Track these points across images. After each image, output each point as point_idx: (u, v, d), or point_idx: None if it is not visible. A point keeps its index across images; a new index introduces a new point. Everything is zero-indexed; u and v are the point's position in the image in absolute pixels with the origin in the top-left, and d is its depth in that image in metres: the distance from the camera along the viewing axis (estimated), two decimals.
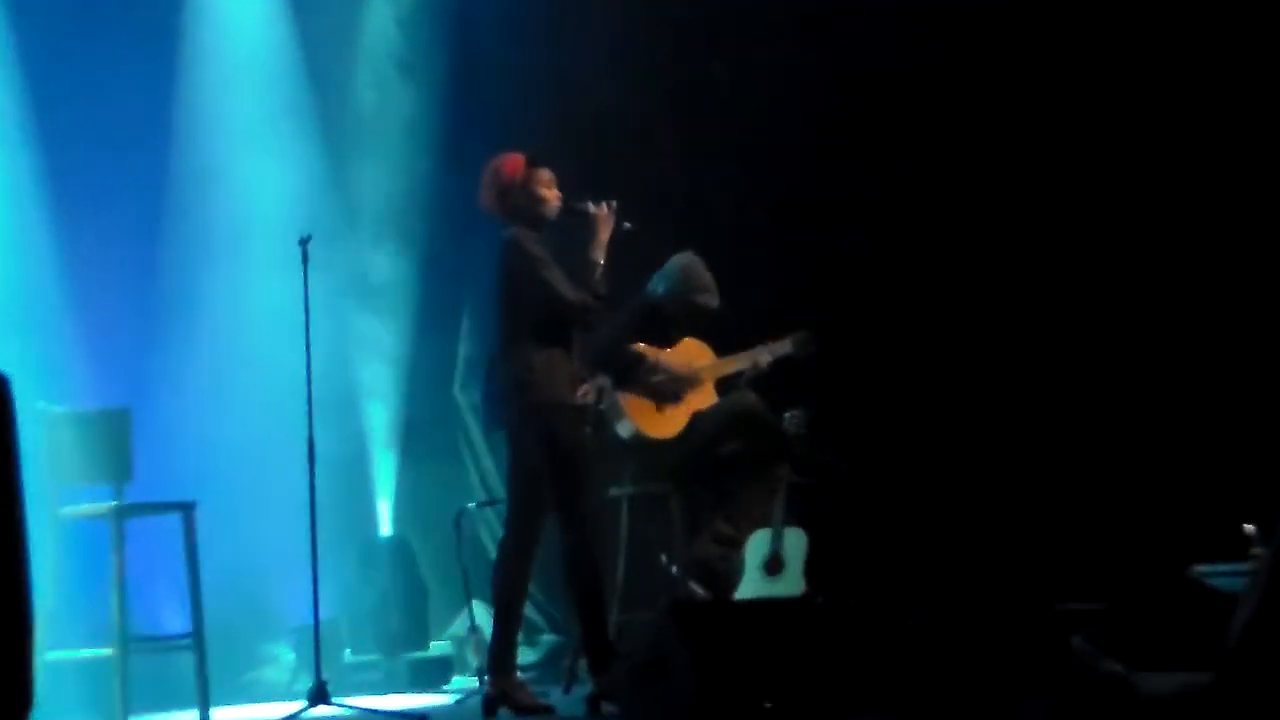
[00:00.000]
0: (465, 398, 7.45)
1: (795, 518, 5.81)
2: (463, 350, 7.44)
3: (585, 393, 5.17)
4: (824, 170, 6.63)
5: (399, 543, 7.15)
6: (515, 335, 5.01)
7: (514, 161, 5.07)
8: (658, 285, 5.92)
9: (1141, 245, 6.21)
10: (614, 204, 5.07)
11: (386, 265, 7.33)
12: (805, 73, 6.60)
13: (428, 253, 7.34)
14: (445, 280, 7.36)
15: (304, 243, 5.47)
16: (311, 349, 5.40)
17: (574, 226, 5.13)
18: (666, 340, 5.90)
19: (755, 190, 6.65)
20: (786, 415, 5.84)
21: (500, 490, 7.11)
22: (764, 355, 5.83)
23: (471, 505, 6.92)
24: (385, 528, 7.31)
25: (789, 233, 6.65)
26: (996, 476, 6.35)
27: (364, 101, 7.28)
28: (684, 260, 5.88)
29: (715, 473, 5.75)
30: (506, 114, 6.95)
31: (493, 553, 6.78)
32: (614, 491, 5.82)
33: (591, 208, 5.07)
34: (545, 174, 5.11)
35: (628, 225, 5.09)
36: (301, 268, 5.42)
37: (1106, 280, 6.30)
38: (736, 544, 5.76)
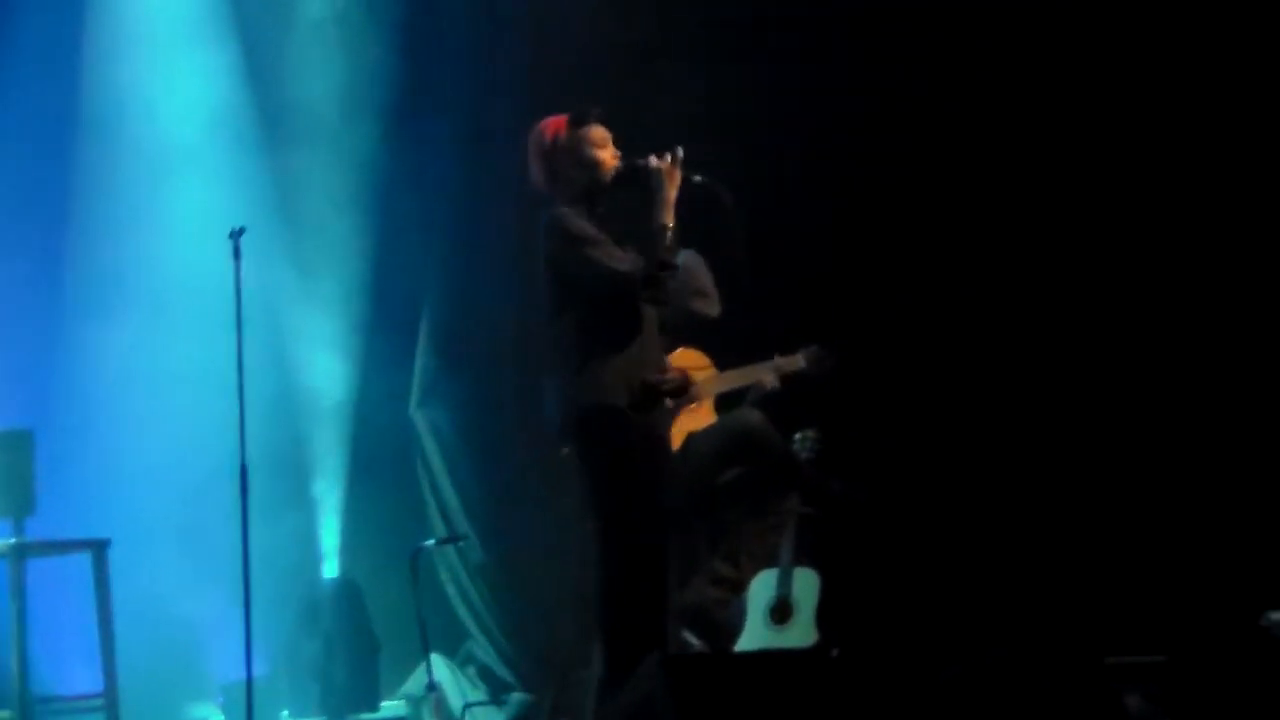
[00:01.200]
0: (424, 416, 7.39)
1: (806, 556, 5.73)
2: (421, 361, 7.37)
3: (666, 379, 4.89)
4: (844, 161, 6.64)
5: (346, 586, 7.06)
6: (566, 340, 4.81)
7: (555, 123, 4.91)
8: None
9: (1206, 261, 6.25)
10: (679, 153, 4.82)
11: (332, 261, 7.24)
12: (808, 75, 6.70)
13: (380, 246, 7.25)
14: (401, 279, 7.29)
15: (235, 236, 5.46)
16: (244, 360, 5.38)
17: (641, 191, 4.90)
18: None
19: (766, 180, 6.55)
20: (796, 437, 5.76)
21: (463, 523, 7.24)
22: (772, 371, 5.71)
23: (430, 543, 6.90)
24: (330, 568, 7.23)
25: (805, 230, 6.61)
26: (1037, 509, 6.32)
27: (302, 71, 7.22)
28: (682, 260, 5.68)
29: (712, 504, 5.58)
30: (473, 68, 6.97)
31: (454, 598, 7.25)
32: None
33: (654, 161, 4.83)
34: (596, 131, 4.90)
35: (698, 179, 4.85)
36: (233, 264, 5.43)
37: (1170, 299, 6.30)
38: (738, 587, 5.67)
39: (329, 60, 7.15)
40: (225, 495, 5.38)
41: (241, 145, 7.16)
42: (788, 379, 5.72)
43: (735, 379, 5.75)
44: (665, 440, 4.99)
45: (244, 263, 5.55)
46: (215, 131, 7.11)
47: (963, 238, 6.57)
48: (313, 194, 7.21)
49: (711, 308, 5.38)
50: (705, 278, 5.48)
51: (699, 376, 5.73)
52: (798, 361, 5.75)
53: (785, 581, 5.64)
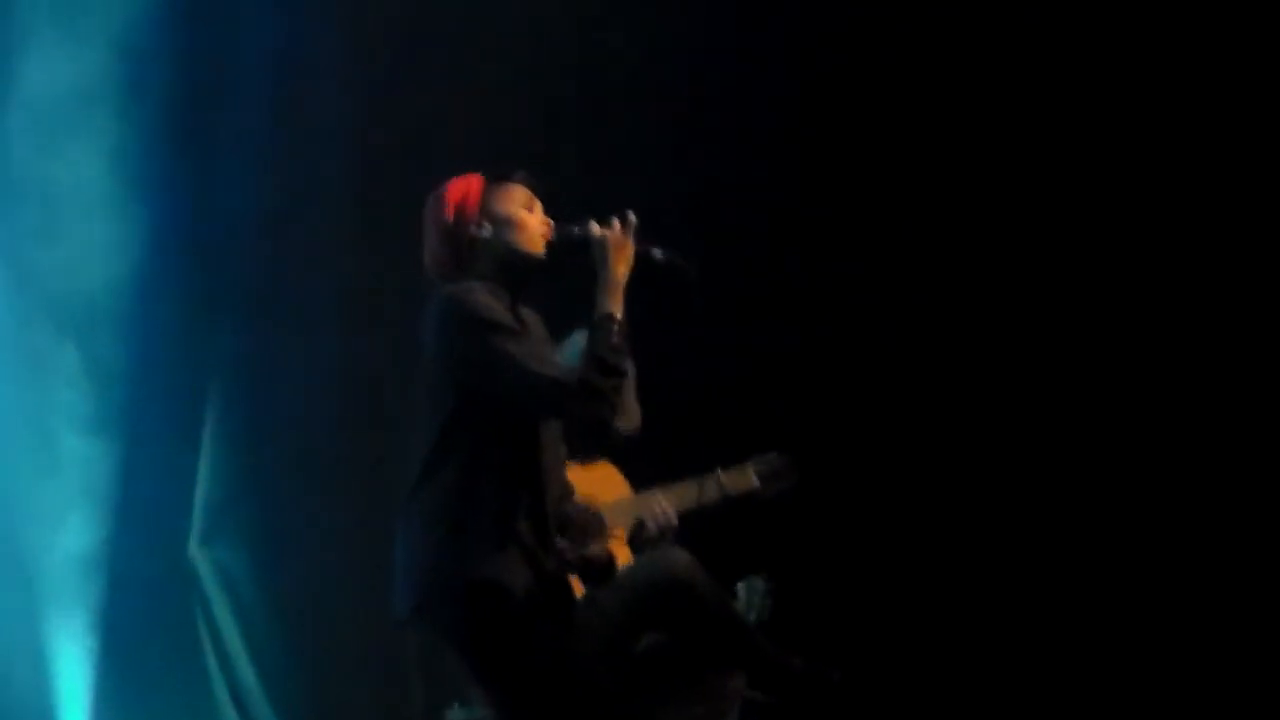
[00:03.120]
0: (209, 558, 7.33)
1: None
2: (204, 482, 7.32)
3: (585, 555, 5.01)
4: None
5: None
6: (439, 461, 4.73)
7: (463, 182, 4.91)
8: None
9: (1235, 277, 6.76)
10: (630, 219, 4.81)
11: (69, 335, 7.18)
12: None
13: (144, 312, 7.23)
14: (176, 367, 7.27)
15: None
16: None
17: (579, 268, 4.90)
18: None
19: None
20: (740, 588, 5.71)
21: (264, 711, 7.27)
22: (710, 490, 5.70)
23: None
24: None
25: (750, 301, 6.96)
26: (1071, 656, 6.71)
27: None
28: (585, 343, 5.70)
29: (625, 684, 5.25)
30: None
31: None
32: (455, 714, 5.81)
33: (596, 230, 4.81)
34: (519, 192, 4.89)
35: (659, 253, 4.85)
36: None
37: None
38: None
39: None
40: None
41: None
42: (729, 501, 5.77)
43: (660, 502, 5.72)
44: (568, 592, 4.95)
45: None
46: None
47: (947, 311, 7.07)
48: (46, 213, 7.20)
49: (628, 418, 5.31)
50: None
51: (609, 499, 5.77)
52: (748, 477, 5.80)
53: None
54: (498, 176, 4.90)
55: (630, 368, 5.37)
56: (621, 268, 4.78)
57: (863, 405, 7.06)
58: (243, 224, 7.43)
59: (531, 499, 4.77)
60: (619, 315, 4.74)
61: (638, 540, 5.67)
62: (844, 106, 7.22)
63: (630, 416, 5.31)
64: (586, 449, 5.77)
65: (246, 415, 7.37)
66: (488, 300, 4.75)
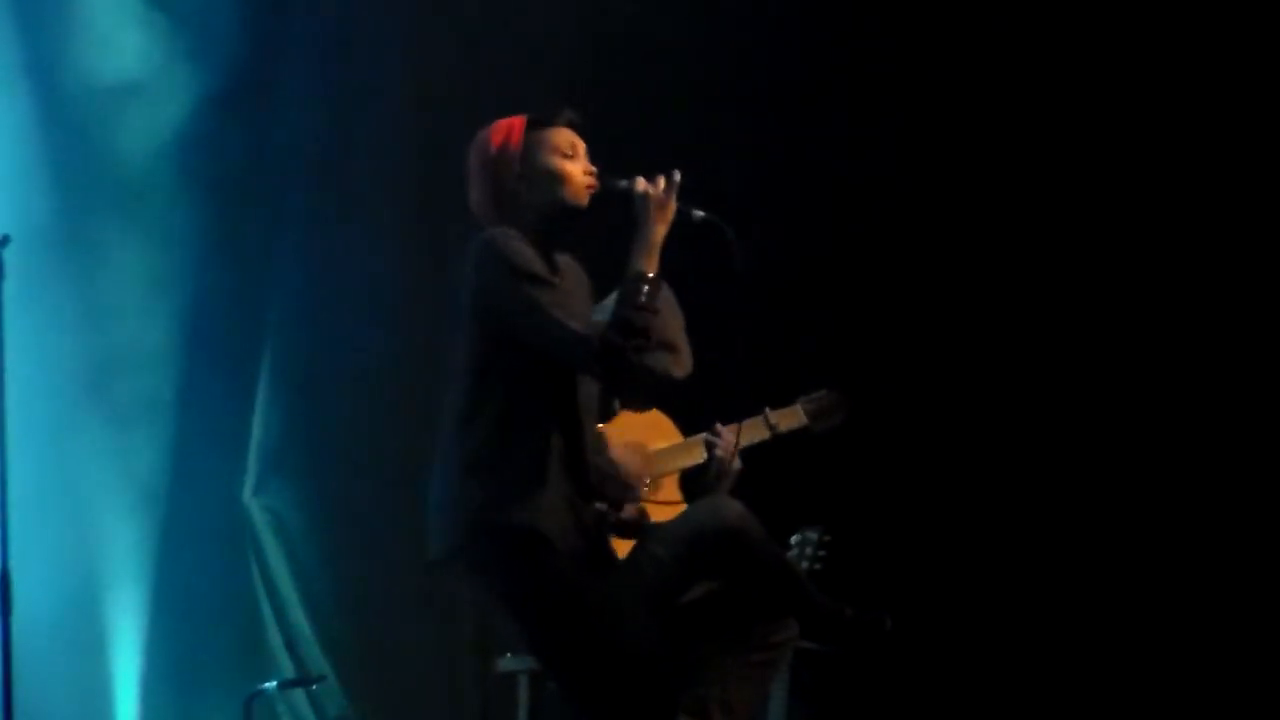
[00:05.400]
0: (263, 507, 7.34)
1: (806, 708, 5.74)
2: (260, 430, 7.33)
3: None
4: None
5: None
6: (475, 406, 4.74)
7: (507, 126, 4.87)
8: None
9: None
10: (675, 177, 4.80)
11: (132, 290, 7.19)
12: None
13: (201, 268, 7.24)
14: (233, 314, 7.28)
15: None
16: (7, 425, 5.46)
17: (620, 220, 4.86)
18: (604, 410, 5.44)
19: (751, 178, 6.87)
20: (793, 539, 5.69)
21: (317, 658, 7.27)
22: (760, 432, 5.63)
23: (270, 686, 6.81)
24: None
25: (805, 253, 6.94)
26: (1126, 631, 6.70)
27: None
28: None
29: (675, 633, 5.24)
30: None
31: None
32: (506, 663, 5.62)
33: (640, 185, 4.79)
34: (563, 136, 4.87)
35: (700, 214, 4.83)
36: None
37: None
38: None
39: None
40: None
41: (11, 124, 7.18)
42: (779, 439, 5.69)
43: (728, 436, 5.53)
44: (607, 548, 4.95)
45: (7, 284, 5.57)
46: None
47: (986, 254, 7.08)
48: (104, 195, 7.22)
49: (676, 366, 5.29)
50: (672, 322, 5.42)
51: (658, 445, 5.72)
52: (797, 415, 5.74)
53: None
54: (541, 119, 4.87)
55: (676, 319, 5.45)
56: (661, 226, 4.76)
57: (918, 349, 7.09)
58: (298, 166, 7.44)
59: (568, 447, 4.78)
60: (652, 274, 4.73)
61: (710, 474, 5.51)
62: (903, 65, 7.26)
63: (683, 362, 5.29)
64: (639, 395, 5.55)
65: (302, 363, 7.36)
66: (522, 247, 4.73)
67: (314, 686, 7.06)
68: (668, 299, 5.46)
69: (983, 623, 6.83)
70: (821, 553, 5.68)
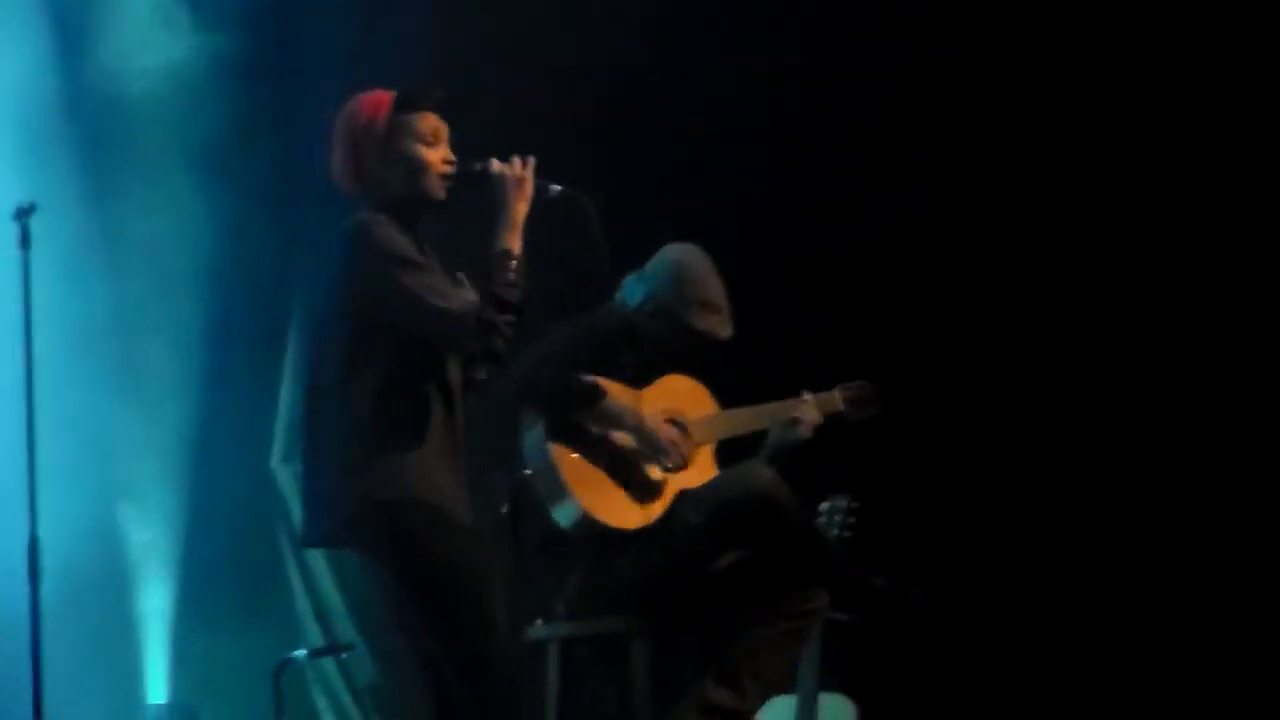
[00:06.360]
0: (292, 473, 7.30)
1: (836, 678, 5.71)
2: (286, 397, 7.37)
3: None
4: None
5: (181, 715, 7.03)
6: (350, 385, 4.73)
7: (374, 102, 4.88)
8: (634, 291, 5.70)
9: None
10: (531, 161, 4.86)
11: (159, 259, 7.20)
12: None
13: (228, 229, 7.27)
14: (259, 276, 7.34)
15: (23, 217, 5.45)
16: (35, 394, 5.37)
17: (478, 204, 4.88)
18: (643, 379, 5.66)
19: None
20: (823, 507, 5.69)
21: (347, 626, 7.30)
22: (811, 411, 5.67)
23: (300, 654, 6.82)
24: (156, 691, 7.15)
25: (836, 227, 6.89)
26: (1157, 605, 6.56)
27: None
28: (678, 255, 5.71)
29: (706, 599, 5.48)
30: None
31: None
32: (537, 631, 5.62)
33: (496, 167, 4.83)
34: (427, 121, 4.87)
35: (556, 188, 4.90)
36: (19, 258, 5.43)
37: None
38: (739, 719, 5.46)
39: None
40: (9, 584, 5.41)
41: (41, 99, 7.23)
42: (819, 424, 5.71)
43: (746, 421, 5.71)
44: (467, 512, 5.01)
45: (35, 254, 5.52)
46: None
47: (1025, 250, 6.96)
48: (131, 166, 7.29)
49: (721, 326, 5.57)
50: (711, 283, 5.66)
51: (696, 415, 5.69)
52: (834, 401, 5.74)
53: (807, 713, 5.63)
54: (407, 100, 4.88)
55: (717, 281, 5.68)
56: (521, 205, 4.83)
57: (950, 332, 7.05)
58: (321, 148, 7.39)
59: (446, 420, 4.80)
60: (516, 251, 4.79)
61: (783, 447, 5.66)
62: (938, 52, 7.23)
63: (727, 323, 5.54)
64: (668, 363, 5.76)
65: None
66: (392, 232, 4.77)
67: (343, 655, 7.08)
68: (706, 263, 5.69)
69: (1017, 596, 6.78)
70: (851, 520, 5.66)
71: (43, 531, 5.37)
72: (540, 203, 4.84)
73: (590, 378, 5.65)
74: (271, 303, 7.44)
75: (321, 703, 7.18)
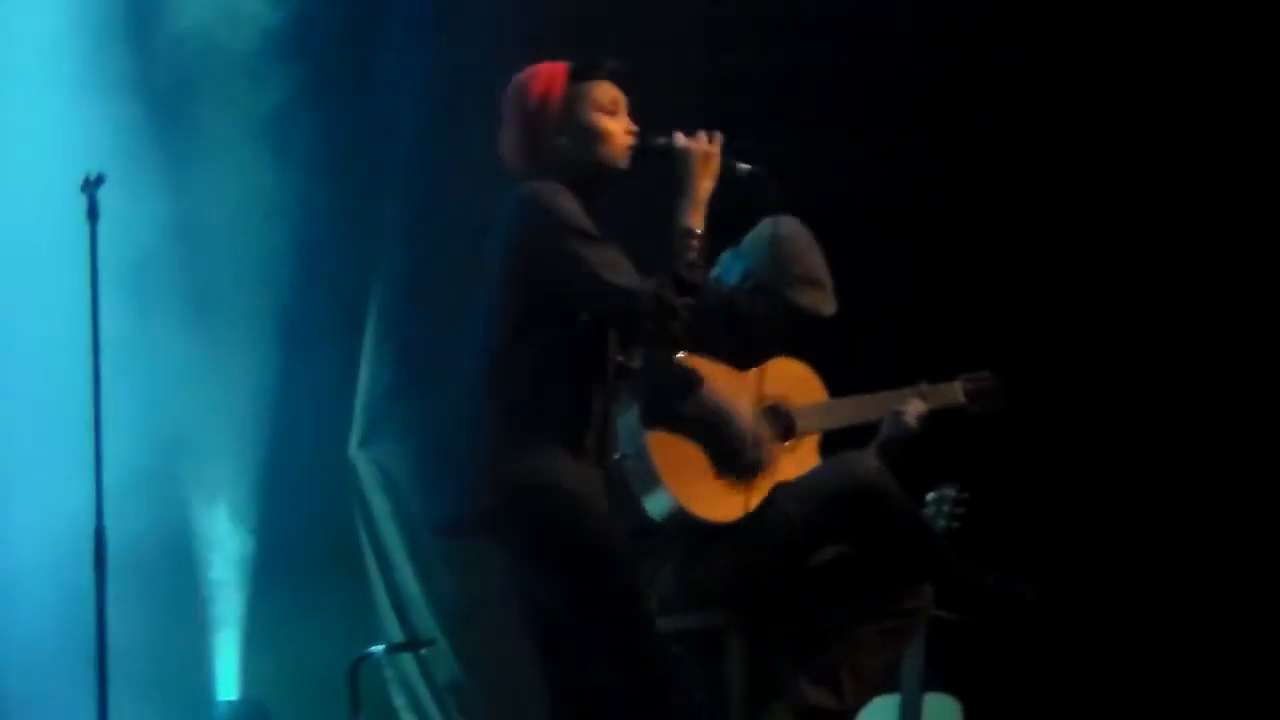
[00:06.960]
0: (370, 460, 7.47)
1: (941, 678, 5.72)
2: (367, 381, 7.46)
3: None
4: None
5: (252, 712, 7.11)
6: (507, 359, 4.71)
7: (547, 73, 4.86)
8: (731, 268, 5.65)
9: None
10: (719, 136, 4.83)
11: (233, 233, 7.26)
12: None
13: (306, 214, 7.33)
14: (338, 261, 7.41)
15: (91, 188, 5.46)
16: (102, 374, 5.38)
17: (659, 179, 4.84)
18: (745, 360, 5.62)
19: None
20: (930, 497, 5.68)
21: (427, 621, 7.33)
22: (916, 404, 5.62)
23: (378, 650, 6.86)
24: (227, 688, 7.20)
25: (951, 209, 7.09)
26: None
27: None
28: (780, 230, 5.63)
29: (804, 594, 5.40)
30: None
31: None
32: None
33: (681, 140, 4.79)
34: (605, 91, 4.84)
35: (745, 167, 4.85)
36: (87, 232, 5.45)
37: None
38: None
39: None
40: (75, 574, 5.48)
41: (107, 75, 7.23)
42: (934, 417, 5.66)
43: (855, 410, 5.68)
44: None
45: (104, 226, 5.53)
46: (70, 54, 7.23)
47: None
48: (207, 142, 7.32)
49: (825, 303, 5.51)
50: (814, 259, 5.61)
51: (802, 402, 5.67)
52: (954, 392, 5.70)
53: (911, 714, 5.64)
54: (583, 70, 4.85)
55: (818, 257, 5.66)
56: (706, 182, 4.80)
57: (1074, 322, 7.15)
58: (407, 118, 7.52)
59: (603, 407, 4.80)
60: (699, 230, 4.73)
61: (894, 440, 5.61)
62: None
63: (827, 299, 5.51)
64: (771, 345, 5.67)
65: (408, 316, 7.45)
66: (568, 201, 4.72)
67: (423, 651, 7.11)
68: (806, 237, 5.64)
69: (1130, 594, 6.86)
70: (960, 511, 5.64)
71: (110, 523, 5.39)
72: (725, 182, 4.80)
73: (688, 361, 5.58)
74: (350, 284, 7.50)
75: (400, 701, 7.24)
